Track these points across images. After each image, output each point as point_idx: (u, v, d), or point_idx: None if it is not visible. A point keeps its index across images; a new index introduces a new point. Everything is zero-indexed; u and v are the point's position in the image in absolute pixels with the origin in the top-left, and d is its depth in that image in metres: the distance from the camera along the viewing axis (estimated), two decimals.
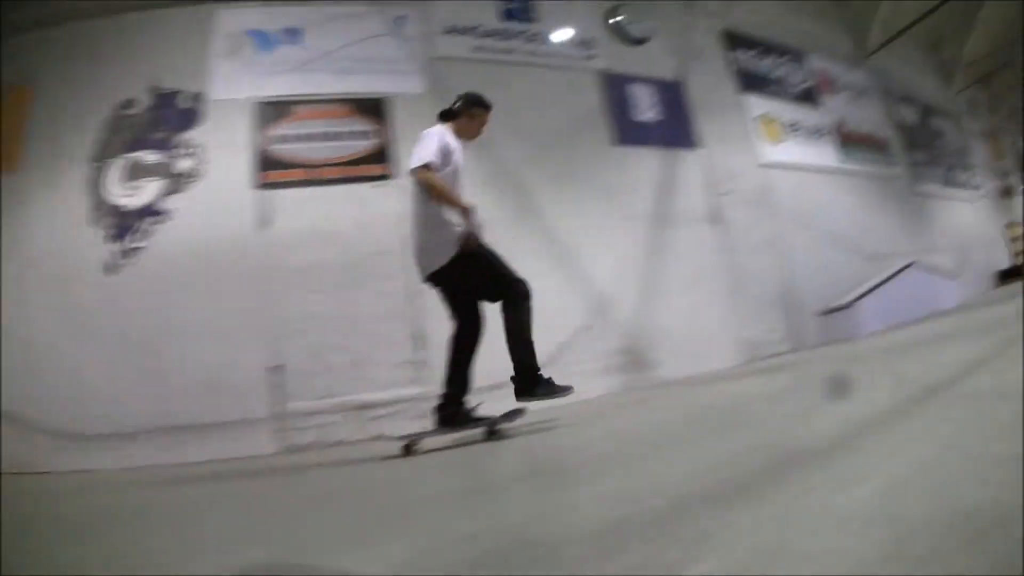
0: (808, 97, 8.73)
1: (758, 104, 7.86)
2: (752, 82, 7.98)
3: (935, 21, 13.68)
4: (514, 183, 5.92)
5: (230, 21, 5.60)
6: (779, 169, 7.66)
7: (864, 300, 6.98)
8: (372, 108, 5.67)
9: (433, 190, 3.03)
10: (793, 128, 8.14)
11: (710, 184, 7.02)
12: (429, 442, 3.14)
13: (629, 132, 6.82)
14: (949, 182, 12.09)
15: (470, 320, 3.27)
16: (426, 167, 3.01)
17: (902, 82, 11.77)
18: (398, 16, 6.12)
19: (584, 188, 6.30)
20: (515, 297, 3.09)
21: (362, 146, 5.57)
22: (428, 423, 3.28)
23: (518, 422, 3.21)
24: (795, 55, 8.91)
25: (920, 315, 6.92)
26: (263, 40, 5.64)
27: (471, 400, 3.24)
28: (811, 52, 9.20)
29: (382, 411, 4.96)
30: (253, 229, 5.14)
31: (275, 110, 5.44)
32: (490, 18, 6.61)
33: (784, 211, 7.44)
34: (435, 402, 3.21)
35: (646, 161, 6.80)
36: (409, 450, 3.07)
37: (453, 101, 3.40)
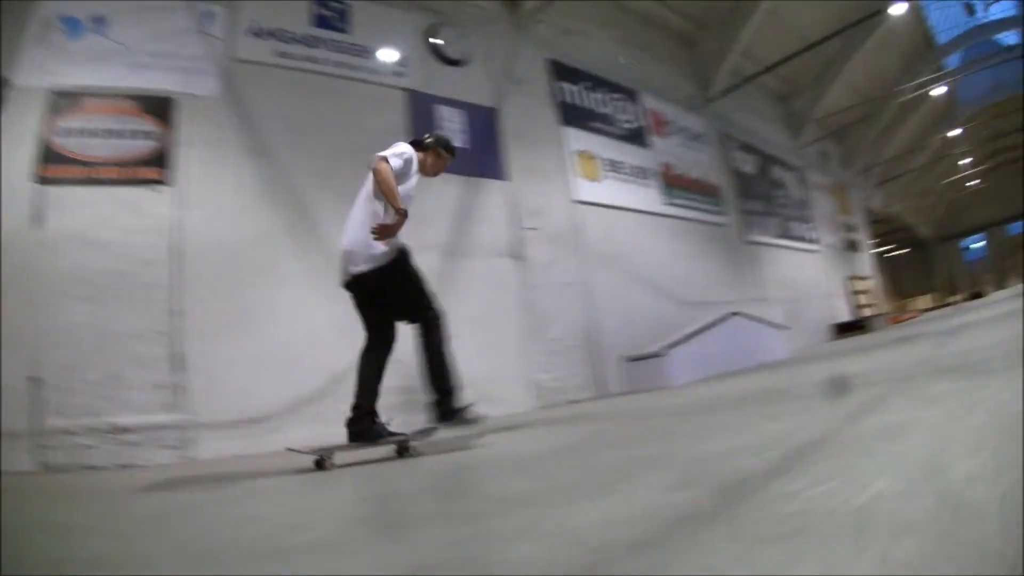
0: (636, 137, 9.58)
1: (578, 139, 8.50)
2: (575, 116, 8.63)
3: (789, 73, 15.65)
4: (298, 197, 5.98)
5: (47, 6, 5.44)
6: (594, 207, 8.29)
7: (676, 349, 7.52)
8: (158, 107, 5.60)
9: (384, 182, 3.31)
10: (614, 166, 8.86)
11: (515, 218, 7.46)
12: (342, 456, 3.34)
13: None
14: (786, 233, 13.57)
15: (383, 334, 3.57)
16: (386, 160, 3.36)
17: (745, 130, 13.18)
18: (206, 12, 6.09)
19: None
20: (434, 319, 3.44)
21: (142, 147, 5.49)
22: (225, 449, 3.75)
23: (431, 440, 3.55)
24: (628, 93, 9.77)
25: (743, 365, 7.67)
26: (73, 27, 5.50)
27: (384, 415, 3.51)
28: (646, 91, 10.14)
29: (135, 436, 4.84)
30: (27, 226, 4.94)
31: (68, 101, 5.29)
32: (301, 23, 6.69)
33: (595, 252, 8.04)
34: (346, 416, 3.46)
35: (448, 188, 7.10)
36: (321, 465, 3.23)
37: (425, 135, 3.90)
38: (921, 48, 18.60)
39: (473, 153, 7.40)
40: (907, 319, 17.37)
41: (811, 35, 12.94)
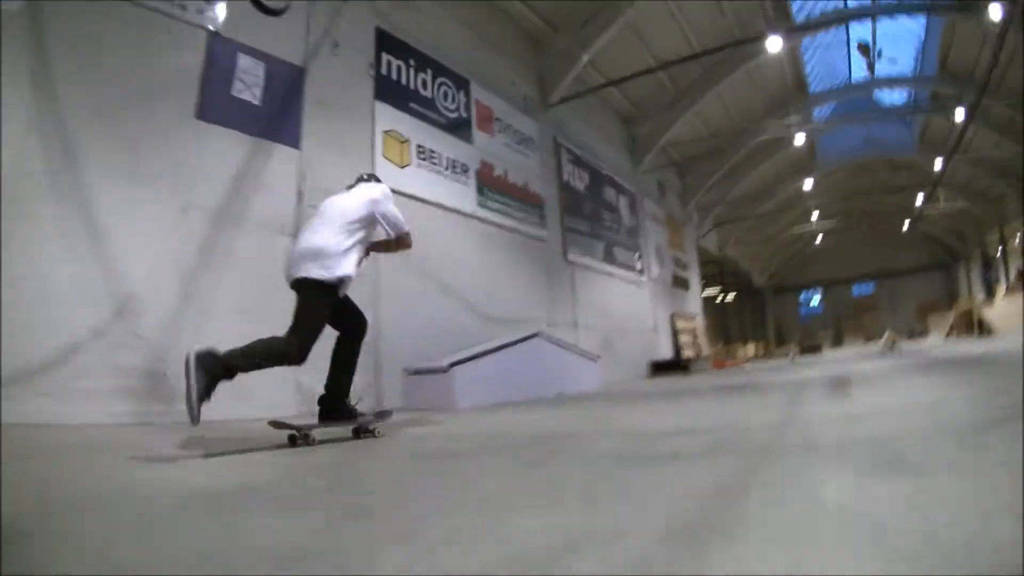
0: (457, 128, 9.86)
1: (391, 117, 8.60)
2: (392, 92, 8.72)
3: (639, 94, 16.82)
4: (62, 134, 5.51)
5: None
6: (395, 195, 8.38)
7: (464, 366, 7.51)
8: None
9: (405, 248, 4.92)
10: (426, 155, 9.05)
11: (300, 192, 7.38)
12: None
13: (221, 109, 6.85)
14: (612, 259, 14.52)
15: (344, 323, 4.50)
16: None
17: (581, 144, 13.98)
18: None
19: (146, 162, 6.09)
20: (360, 332, 4.55)
21: None
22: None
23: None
24: (458, 81, 10.05)
25: (539, 393, 7.99)
26: None
27: (354, 397, 4.54)
28: (478, 83, 10.49)
29: None
30: None
31: None
32: None
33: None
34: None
35: (227, 145, 6.88)
36: (294, 441, 4.09)
37: (361, 176, 5.05)
38: (791, 93, 20.43)
39: (266, 112, 7.23)
40: (731, 365, 19.15)
41: (669, 56, 14.10)
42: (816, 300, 43.99)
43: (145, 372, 5.75)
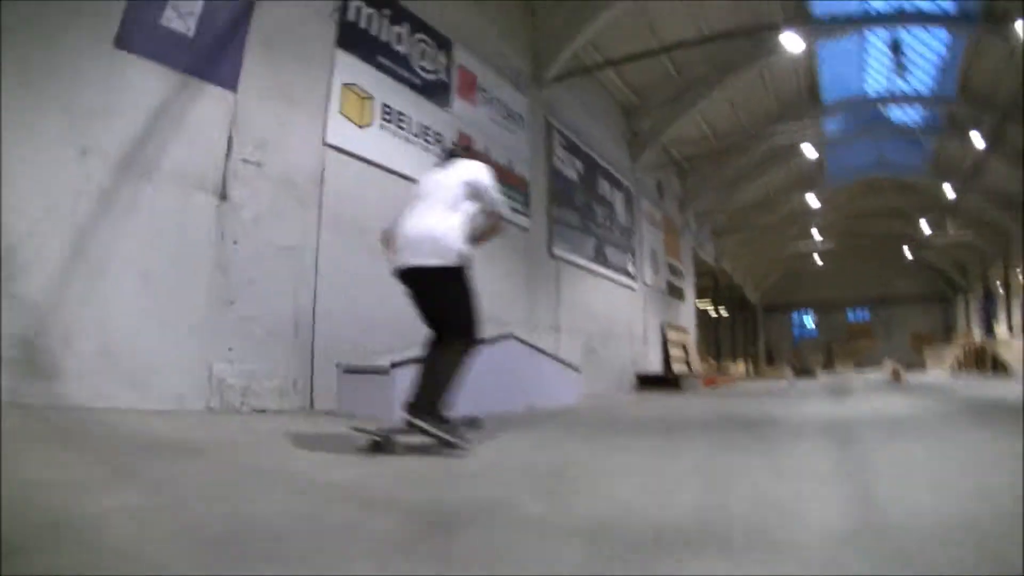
0: (434, 91, 8.66)
1: (354, 70, 7.40)
2: (359, 41, 7.52)
3: (643, 83, 15.73)
4: None
5: None
6: (350, 158, 7.21)
7: (410, 368, 6.28)
8: None
9: (499, 230, 4.27)
10: (393, 117, 7.85)
11: (232, 143, 6.16)
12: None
13: (146, 38, 5.66)
14: (603, 259, 13.37)
15: (440, 329, 3.91)
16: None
17: (576, 129, 12.82)
18: None
19: (42, 92, 4.93)
20: (472, 341, 3.78)
21: None
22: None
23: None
24: (440, 41, 8.86)
25: (504, 406, 6.53)
26: None
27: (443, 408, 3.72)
28: (463, 46, 9.31)
29: None
30: None
31: None
32: None
33: (335, 215, 6.94)
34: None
35: (152, 84, 5.69)
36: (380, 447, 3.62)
37: (452, 150, 4.75)
38: (804, 100, 19.24)
39: (200, 47, 6.03)
40: (723, 382, 18.06)
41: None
42: (810, 321, 43.06)
43: (15, 339, 4.57)
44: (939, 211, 24.44)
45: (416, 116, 8.21)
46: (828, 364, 34.11)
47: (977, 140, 17.35)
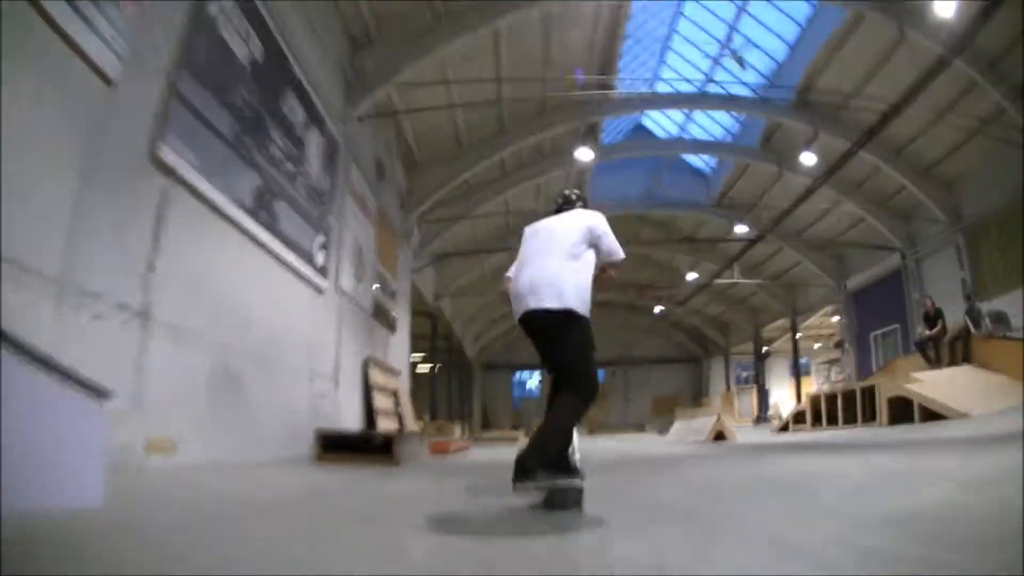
0: None
1: None
2: None
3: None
4: None
5: None
6: None
7: None
8: None
9: (614, 281, 4.39)
10: None
11: None
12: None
13: None
14: (270, 217, 7.90)
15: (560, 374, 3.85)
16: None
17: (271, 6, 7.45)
18: None
19: None
20: (591, 391, 3.68)
21: None
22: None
23: None
24: None
25: None
26: None
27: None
28: None
29: None
30: None
31: None
32: None
33: None
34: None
35: None
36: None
37: (568, 196, 4.41)
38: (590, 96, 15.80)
39: None
40: (454, 450, 13.20)
41: None
42: (534, 381, 40.21)
43: None
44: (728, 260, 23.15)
45: None
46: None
47: None
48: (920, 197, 16.73)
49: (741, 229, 21.21)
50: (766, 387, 31.90)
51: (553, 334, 3.76)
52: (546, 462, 3.34)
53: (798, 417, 14.45)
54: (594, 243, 3.92)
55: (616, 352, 36.97)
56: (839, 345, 23.89)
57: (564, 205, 4.32)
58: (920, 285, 18.03)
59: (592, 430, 28.54)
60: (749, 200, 21.49)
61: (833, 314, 26.01)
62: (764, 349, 32.35)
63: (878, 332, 20.91)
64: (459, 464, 9.05)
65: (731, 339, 36.38)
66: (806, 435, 12.21)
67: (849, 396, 12.03)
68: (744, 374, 39.95)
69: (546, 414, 3.65)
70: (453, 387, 28.03)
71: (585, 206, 4.26)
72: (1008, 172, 14.24)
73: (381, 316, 13.32)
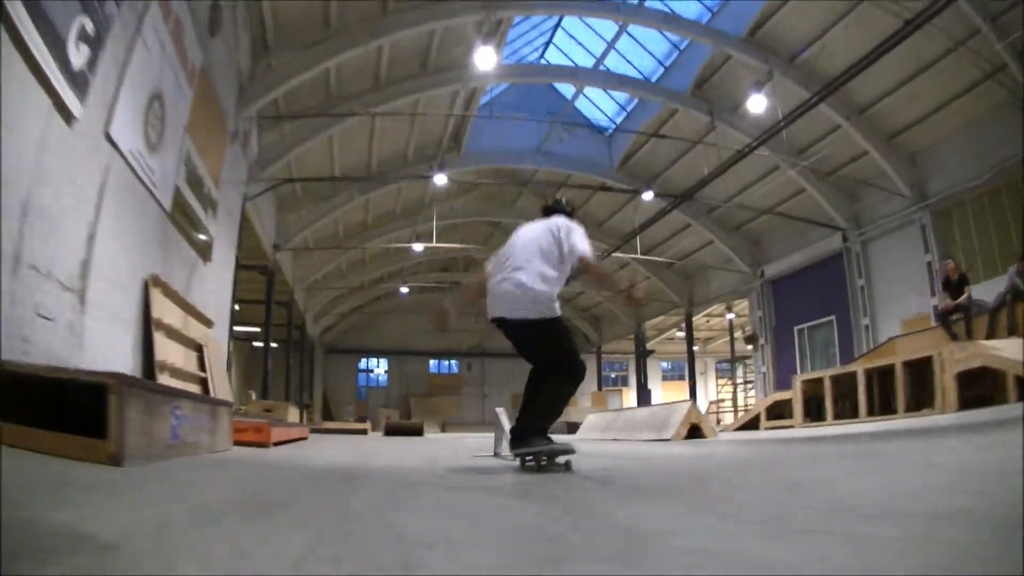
0: None
1: None
2: None
3: None
4: None
5: None
6: None
7: None
8: None
9: (606, 279, 4.82)
10: None
11: None
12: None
13: None
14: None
15: (543, 364, 4.34)
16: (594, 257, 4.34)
17: None
18: None
19: None
20: (575, 371, 4.17)
21: None
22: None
23: None
24: None
25: None
26: None
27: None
28: None
29: None
30: None
31: None
32: None
33: None
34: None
35: None
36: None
37: (555, 202, 4.73)
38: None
39: None
40: (293, 438, 9.24)
41: None
42: (382, 370, 35.89)
43: None
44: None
45: None
46: (405, 418, 27.57)
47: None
48: (883, 165, 14.56)
49: (648, 196, 18.31)
50: (647, 387, 29.60)
51: (528, 341, 4.20)
52: (539, 432, 4.00)
53: (772, 412, 12.79)
54: (561, 243, 4.18)
55: (472, 343, 33.60)
56: (751, 340, 21.78)
57: (545, 213, 4.60)
58: (865, 271, 16.20)
59: (443, 427, 25.36)
60: (662, 165, 19.00)
61: (729, 307, 24.23)
62: (646, 345, 30.23)
63: (803, 326, 18.91)
64: (283, 465, 4.91)
65: (603, 335, 34.04)
66: (854, 427, 9.45)
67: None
68: (614, 375, 37.95)
69: (527, 390, 4.29)
70: (293, 367, 23.24)
71: (571, 216, 4.56)
72: (986, 145, 12.54)
73: (187, 222, 9.04)
